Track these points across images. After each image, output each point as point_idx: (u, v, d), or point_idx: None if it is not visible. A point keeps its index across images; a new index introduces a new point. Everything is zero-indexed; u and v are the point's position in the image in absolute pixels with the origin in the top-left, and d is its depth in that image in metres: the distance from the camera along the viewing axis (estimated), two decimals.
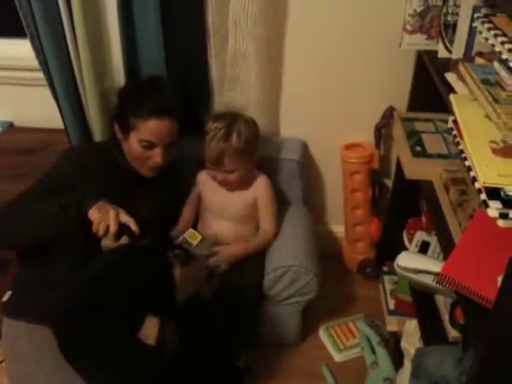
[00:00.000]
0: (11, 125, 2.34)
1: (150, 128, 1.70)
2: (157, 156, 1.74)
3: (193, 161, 1.99)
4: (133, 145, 1.73)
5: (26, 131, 2.29)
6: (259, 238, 1.98)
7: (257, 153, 1.90)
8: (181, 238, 1.86)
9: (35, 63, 1.89)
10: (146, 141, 1.71)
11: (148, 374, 1.43)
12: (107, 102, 1.94)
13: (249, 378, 1.91)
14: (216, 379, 1.74)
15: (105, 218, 1.52)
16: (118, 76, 1.93)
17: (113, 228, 1.52)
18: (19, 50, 2.11)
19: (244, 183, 1.94)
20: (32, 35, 1.82)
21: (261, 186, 1.96)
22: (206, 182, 1.98)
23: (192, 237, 1.85)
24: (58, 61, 1.85)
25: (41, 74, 1.91)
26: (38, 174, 1.96)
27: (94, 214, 1.52)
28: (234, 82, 2.03)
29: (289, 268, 1.87)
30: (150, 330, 1.40)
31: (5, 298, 1.72)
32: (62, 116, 1.98)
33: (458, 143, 1.24)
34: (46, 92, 1.95)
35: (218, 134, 1.79)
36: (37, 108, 2.23)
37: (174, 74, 1.93)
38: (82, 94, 1.92)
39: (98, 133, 1.99)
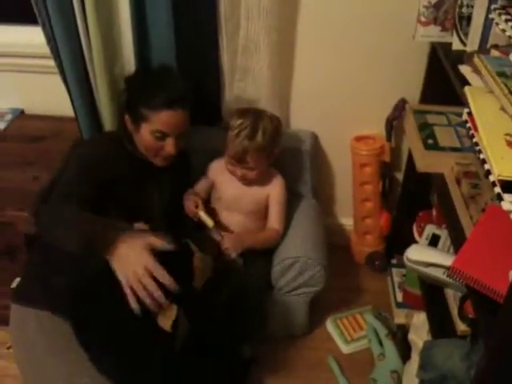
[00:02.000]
0: (22, 112, 2.33)
1: (163, 119, 1.69)
2: (169, 146, 1.73)
3: (202, 150, 1.99)
4: (145, 136, 1.72)
5: (37, 119, 2.28)
6: (269, 233, 1.97)
7: (277, 148, 1.90)
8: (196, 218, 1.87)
9: (46, 50, 1.88)
10: (158, 131, 1.70)
11: (161, 361, 1.44)
12: (117, 89, 1.93)
13: (254, 368, 1.92)
14: (222, 370, 1.75)
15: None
16: (129, 64, 1.93)
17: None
18: (30, 36, 2.10)
19: (261, 179, 1.93)
20: (43, 22, 1.81)
21: (276, 185, 1.96)
22: (221, 172, 1.96)
23: (206, 220, 1.86)
24: (69, 47, 1.84)
25: (52, 61, 1.90)
26: (47, 161, 1.98)
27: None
28: (244, 73, 2.02)
29: (297, 259, 1.87)
30: (168, 317, 1.38)
31: (13, 285, 1.73)
32: (72, 103, 1.98)
33: (472, 136, 1.23)
34: (57, 79, 1.94)
35: (243, 132, 1.79)
36: (47, 95, 2.23)
37: (184, 63, 1.92)
38: (93, 80, 1.92)
39: (108, 120, 1.99)
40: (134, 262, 1.34)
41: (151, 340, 1.42)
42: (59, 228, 1.53)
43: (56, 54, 1.88)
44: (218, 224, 1.92)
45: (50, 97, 2.20)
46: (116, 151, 1.77)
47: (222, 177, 1.96)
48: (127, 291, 1.33)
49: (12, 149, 2.08)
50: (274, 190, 1.95)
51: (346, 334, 2.11)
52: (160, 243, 1.38)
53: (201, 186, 1.99)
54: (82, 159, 1.73)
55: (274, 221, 1.96)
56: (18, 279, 1.73)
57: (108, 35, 1.85)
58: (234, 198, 1.95)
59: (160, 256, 1.36)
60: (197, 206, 1.87)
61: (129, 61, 1.92)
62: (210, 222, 1.85)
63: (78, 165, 1.70)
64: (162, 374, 1.47)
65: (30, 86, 2.27)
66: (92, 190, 1.61)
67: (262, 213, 1.98)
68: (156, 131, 1.70)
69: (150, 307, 1.33)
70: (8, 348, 1.99)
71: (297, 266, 1.88)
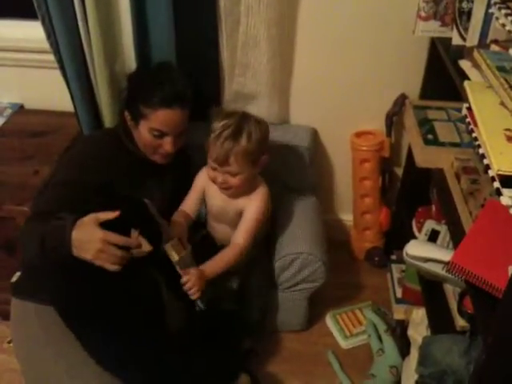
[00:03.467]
0: (21, 107, 2.33)
1: (161, 118, 1.68)
2: (167, 144, 1.73)
3: (203, 146, 1.98)
4: (143, 133, 1.72)
5: (36, 114, 2.28)
6: (231, 252, 1.78)
7: (264, 156, 1.76)
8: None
9: (46, 45, 1.88)
10: (156, 130, 1.70)
11: (155, 347, 1.47)
12: (117, 85, 1.93)
13: (254, 360, 1.92)
14: (220, 358, 1.75)
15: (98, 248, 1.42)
16: (129, 60, 1.92)
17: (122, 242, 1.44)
18: (30, 31, 2.10)
19: (245, 190, 1.81)
20: (43, 17, 1.81)
21: (255, 199, 1.82)
22: (208, 180, 1.83)
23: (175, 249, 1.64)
24: (69, 43, 1.84)
25: (52, 56, 1.90)
26: (47, 156, 1.98)
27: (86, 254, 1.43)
28: (244, 68, 2.01)
29: (297, 255, 1.87)
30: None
31: (13, 279, 1.73)
32: (72, 98, 1.98)
33: (471, 131, 1.22)
34: (57, 74, 1.94)
35: (225, 132, 1.66)
36: (47, 91, 2.22)
37: (184, 58, 1.91)
38: (93, 76, 1.92)
39: (107, 116, 1.99)
40: (90, 240, 1.41)
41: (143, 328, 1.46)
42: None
43: (56, 49, 1.87)
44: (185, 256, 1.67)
45: (50, 92, 2.20)
46: (115, 149, 1.76)
47: (208, 187, 1.86)
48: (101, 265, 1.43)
49: (11, 144, 2.08)
50: (252, 204, 1.81)
51: (346, 329, 2.11)
52: (103, 214, 1.45)
53: (191, 202, 1.88)
54: (81, 160, 1.72)
55: (240, 235, 1.79)
56: (18, 273, 1.73)
57: (108, 31, 1.85)
58: (219, 211, 1.87)
59: (110, 226, 1.44)
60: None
61: (129, 57, 1.92)
62: (174, 257, 1.62)
63: (78, 164, 1.69)
64: (155, 359, 1.49)
65: (30, 80, 2.27)
66: (92, 189, 1.60)
67: None
68: (154, 129, 1.69)
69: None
70: (8, 342, 2.00)
71: (297, 262, 1.88)
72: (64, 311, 1.50)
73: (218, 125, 1.69)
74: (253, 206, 1.81)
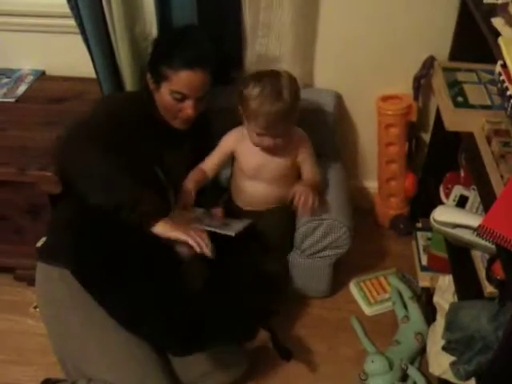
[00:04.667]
0: (43, 73, 2.32)
1: (182, 79, 1.66)
2: (188, 108, 1.71)
3: (225, 110, 1.95)
4: (164, 96, 1.71)
5: (58, 80, 2.27)
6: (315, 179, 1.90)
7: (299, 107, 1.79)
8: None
9: (67, 10, 1.85)
10: (177, 92, 1.68)
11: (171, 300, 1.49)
12: (138, 49, 1.90)
13: (276, 322, 1.89)
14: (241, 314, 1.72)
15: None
16: (150, 22, 1.89)
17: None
18: None
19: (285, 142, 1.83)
20: None
21: (300, 144, 1.88)
22: (240, 142, 1.87)
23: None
24: (90, 7, 1.80)
25: (73, 21, 1.87)
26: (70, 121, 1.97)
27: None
28: (267, 29, 1.97)
29: (322, 221, 1.85)
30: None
31: (39, 244, 1.75)
32: (93, 64, 1.95)
33: (506, 89, 1.18)
34: (79, 40, 1.91)
35: (267, 96, 1.67)
36: (69, 56, 2.20)
37: (205, 20, 1.87)
38: (114, 40, 1.89)
39: (129, 81, 1.96)
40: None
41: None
42: (90, 179, 1.51)
43: (76, 13, 1.84)
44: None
45: (72, 58, 2.18)
46: (138, 111, 1.75)
47: (241, 147, 1.88)
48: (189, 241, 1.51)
49: (34, 110, 2.08)
50: (303, 153, 1.89)
51: (370, 296, 2.09)
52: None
53: (213, 163, 1.91)
54: (105, 114, 1.70)
55: (312, 174, 1.90)
56: (43, 238, 1.75)
57: None
58: (257, 168, 1.88)
59: None
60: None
61: (150, 19, 1.88)
62: None
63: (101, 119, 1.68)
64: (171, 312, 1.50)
65: (52, 47, 2.25)
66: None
67: (289, 176, 1.91)
68: (175, 92, 1.68)
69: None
70: (35, 307, 2.02)
71: (322, 227, 1.86)
72: (78, 269, 1.52)
73: (253, 91, 1.69)
74: (303, 151, 1.89)
